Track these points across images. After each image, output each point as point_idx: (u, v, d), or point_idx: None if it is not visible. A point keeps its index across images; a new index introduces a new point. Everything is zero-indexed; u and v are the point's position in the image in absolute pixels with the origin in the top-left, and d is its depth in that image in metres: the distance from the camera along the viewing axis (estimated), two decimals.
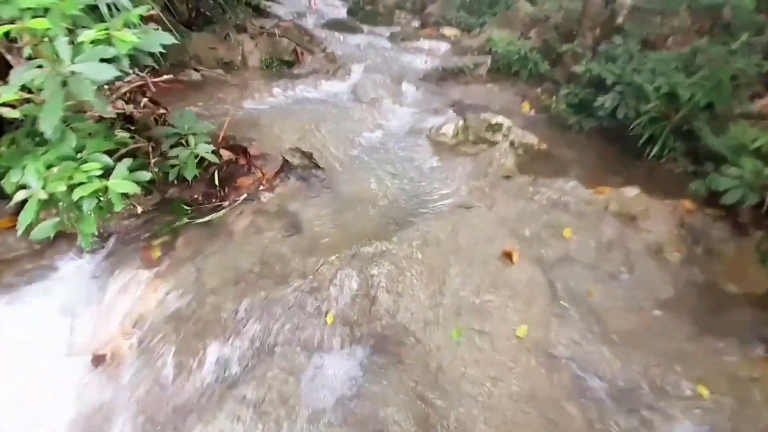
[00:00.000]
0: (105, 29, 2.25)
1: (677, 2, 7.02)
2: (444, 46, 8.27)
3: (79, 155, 2.41)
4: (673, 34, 6.99)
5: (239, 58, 5.64)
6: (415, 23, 10.30)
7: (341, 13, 10.06)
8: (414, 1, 11.45)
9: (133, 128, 3.25)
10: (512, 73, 6.94)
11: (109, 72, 2.15)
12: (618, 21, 7.29)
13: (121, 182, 2.28)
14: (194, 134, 2.97)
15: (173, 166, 2.92)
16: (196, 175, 2.96)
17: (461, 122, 4.89)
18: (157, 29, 2.59)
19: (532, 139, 4.87)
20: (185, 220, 2.92)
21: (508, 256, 3.16)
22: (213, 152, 3.35)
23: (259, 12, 7.07)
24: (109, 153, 2.77)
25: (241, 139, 3.80)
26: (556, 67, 6.96)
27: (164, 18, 4.69)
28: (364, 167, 4.01)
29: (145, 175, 2.44)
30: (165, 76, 3.76)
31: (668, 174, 4.93)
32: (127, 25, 2.44)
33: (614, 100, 5.40)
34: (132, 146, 2.79)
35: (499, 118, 4.85)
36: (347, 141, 4.35)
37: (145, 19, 2.62)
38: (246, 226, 3.09)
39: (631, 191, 4.27)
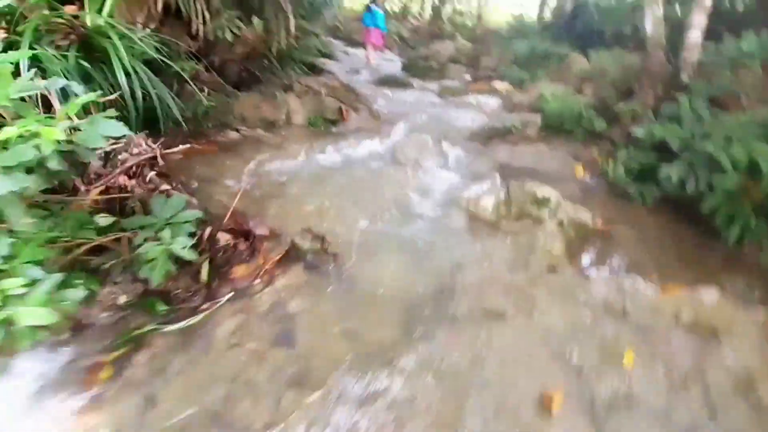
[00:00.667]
0: (29, 124, 1.57)
1: (749, 56, 5.62)
2: (494, 102, 7.24)
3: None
4: (746, 93, 5.48)
5: (283, 117, 4.98)
6: (468, 77, 9.33)
7: (396, 68, 9.33)
8: (468, 55, 10.55)
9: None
10: (564, 132, 5.72)
11: (13, 184, 1.45)
12: (682, 78, 5.94)
13: (32, 311, 1.55)
14: (173, 225, 2.22)
15: (147, 261, 2.18)
16: (169, 272, 2.20)
17: (503, 194, 3.87)
18: (119, 115, 1.89)
19: (584, 215, 3.74)
20: (148, 327, 2.15)
21: (548, 399, 2.13)
22: (210, 235, 2.63)
23: (315, 70, 6.47)
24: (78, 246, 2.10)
25: (254, 214, 3.05)
26: (613, 126, 5.70)
27: (202, 79, 4.14)
28: (386, 251, 3.08)
29: (77, 294, 1.70)
30: (180, 146, 3.12)
31: (752, 266, 3.61)
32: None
33: (682, 171, 4.17)
34: (96, 242, 2.08)
35: (546, 191, 3.78)
36: (373, 215, 3.47)
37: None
38: (229, 333, 2.27)
39: (709, 294, 3.04)
